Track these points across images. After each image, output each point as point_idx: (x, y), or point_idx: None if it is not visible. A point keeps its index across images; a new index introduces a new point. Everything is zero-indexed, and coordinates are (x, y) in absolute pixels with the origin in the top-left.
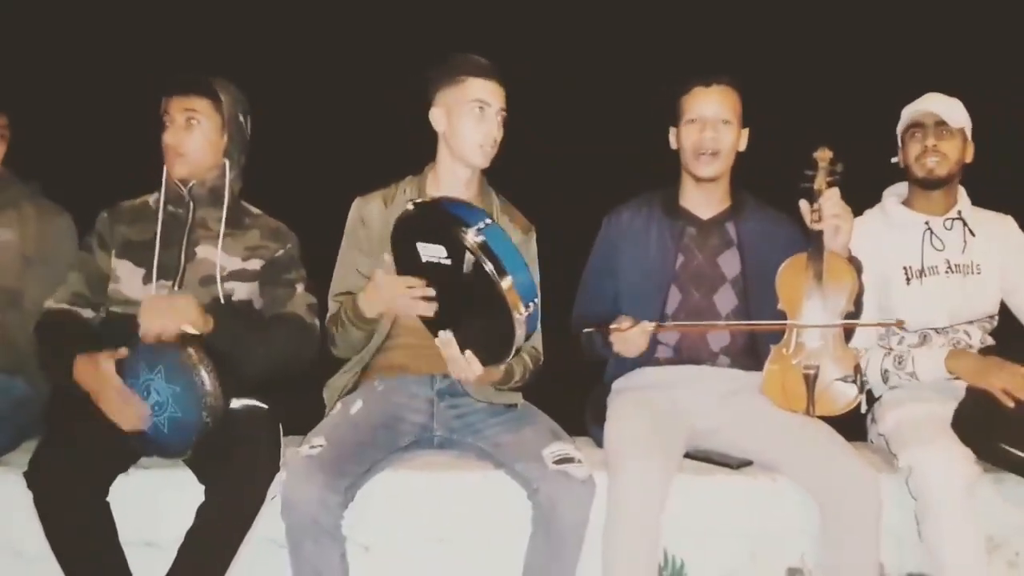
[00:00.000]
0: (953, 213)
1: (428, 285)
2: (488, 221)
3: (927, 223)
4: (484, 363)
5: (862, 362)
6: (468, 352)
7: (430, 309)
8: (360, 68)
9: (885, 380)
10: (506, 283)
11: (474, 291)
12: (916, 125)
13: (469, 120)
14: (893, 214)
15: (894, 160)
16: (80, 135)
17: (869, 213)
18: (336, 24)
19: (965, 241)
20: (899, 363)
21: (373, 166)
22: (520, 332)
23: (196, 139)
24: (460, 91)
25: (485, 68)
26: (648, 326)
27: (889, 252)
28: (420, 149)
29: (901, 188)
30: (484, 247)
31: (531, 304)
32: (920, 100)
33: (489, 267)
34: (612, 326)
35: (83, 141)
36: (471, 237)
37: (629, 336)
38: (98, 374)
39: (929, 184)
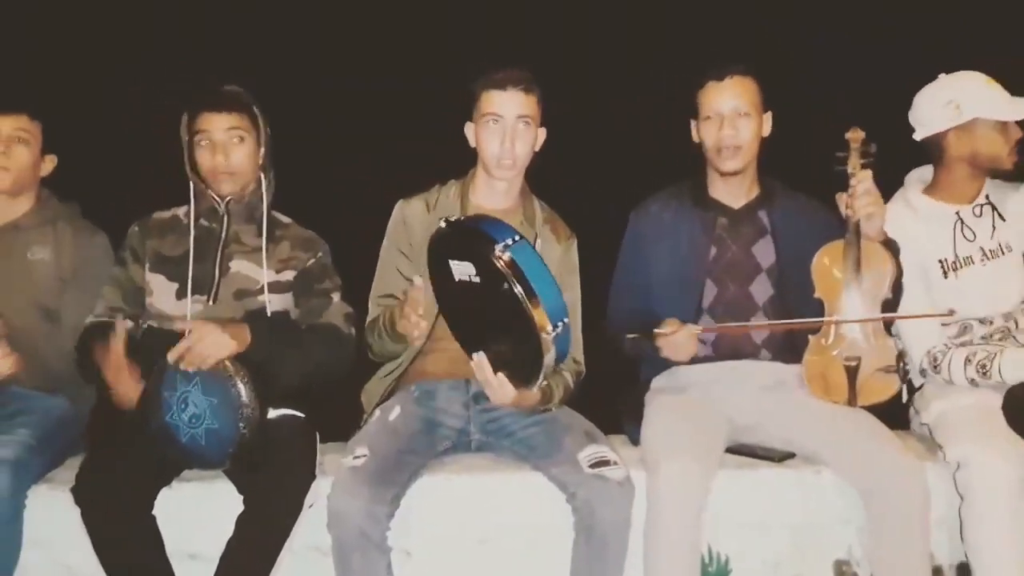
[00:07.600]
0: (981, 199)
1: (460, 304)
2: (517, 237)
3: (957, 213)
4: (516, 385)
5: (943, 366)
6: (500, 375)
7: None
8: (397, 70)
9: (975, 386)
10: (533, 302)
11: (503, 310)
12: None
13: (484, 134)
14: (919, 206)
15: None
16: (112, 152)
17: (892, 204)
18: (373, 26)
19: (994, 226)
20: (983, 372)
21: (415, 172)
22: (549, 353)
23: (242, 156)
24: (478, 107)
25: (497, 80)
26: (694, 329)
27: (923, 246)
28: (462, 153)
29: (924, 174)
30: (512, 264)
31: (560, 324)
32: None
33: (516, 286)
34: (657, 331)
35: (116, 159)
36: (498, 253)
37: (677, 340)
38: (107, 350)
39: (1011, 177)
